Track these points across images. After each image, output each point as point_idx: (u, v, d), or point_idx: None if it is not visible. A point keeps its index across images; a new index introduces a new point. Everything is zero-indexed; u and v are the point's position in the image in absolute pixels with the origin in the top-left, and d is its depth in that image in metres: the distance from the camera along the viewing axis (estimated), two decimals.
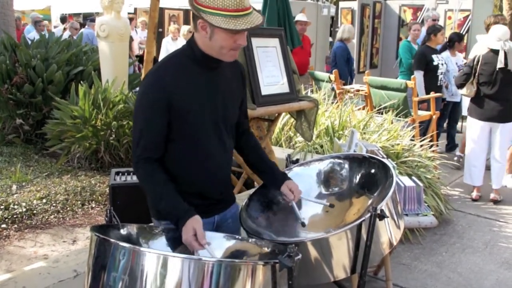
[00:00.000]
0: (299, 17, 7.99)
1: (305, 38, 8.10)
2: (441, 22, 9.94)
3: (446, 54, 7.03)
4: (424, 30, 8.47)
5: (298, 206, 2.38)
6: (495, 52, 5.24)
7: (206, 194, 2.19)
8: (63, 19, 13.78)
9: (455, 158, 6.75)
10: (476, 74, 5.37)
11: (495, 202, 5.56)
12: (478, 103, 5.46)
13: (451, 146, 7.48)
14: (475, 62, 5.37)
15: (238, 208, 2.38)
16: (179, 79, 2.04)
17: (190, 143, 2.10)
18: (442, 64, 6.71)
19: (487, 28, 6.29)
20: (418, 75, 6.61)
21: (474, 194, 5.65)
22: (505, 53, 5.16)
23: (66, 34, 10.17)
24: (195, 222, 1.94)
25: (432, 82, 6.65)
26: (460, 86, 5.54)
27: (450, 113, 7.38)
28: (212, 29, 1.98)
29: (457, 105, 7.35)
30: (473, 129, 5.58)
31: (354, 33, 7.99)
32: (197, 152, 2.12)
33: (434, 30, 6.79)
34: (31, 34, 10.47)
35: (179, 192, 2.08)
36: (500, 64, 5.17)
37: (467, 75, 5.43)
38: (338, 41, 7.98)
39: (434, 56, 6.69)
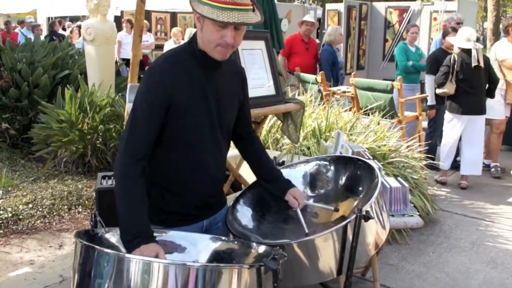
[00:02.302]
0: (307, 17, 7.95)
1: (311, 41, 8.08)
2: (426, 23, 10.03)
3: None
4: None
5: (287, 208, 2.39)
6: (466, 51, 5.71)
7: (198, 197, 2.15)
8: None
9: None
10: (454, 73, 5.78)
11: (464, 188, 6.05)
12: (458, 99, 5.86)
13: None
14: (452, 62, 5.81)
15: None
16: (181, 78, 2.00)
17: (184, 145, 2.05)
18: None
19: (506, 30, 6.39)
20: (429, 79, 6.46)
21: (445, 178, 6.20)
22: (476, 52, 5.63)
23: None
24: (160, 248, 1.84)
25: None
26: (440, 85, 5.91)
27: None
28: (203, 20, 1.95)
29: None
30: (453, 123, 6.00)
31: (339, 34, 7.81)
32: (191, 155, 2.08)
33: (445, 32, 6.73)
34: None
35: (169, 198, 2.09)
36: (474, 62, 5.63)
37: (445, 74, 5.85)
38: (326, 44, 7.90)
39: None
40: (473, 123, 5.90)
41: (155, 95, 1.96)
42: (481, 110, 5.89)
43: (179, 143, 2.05)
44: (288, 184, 2.36)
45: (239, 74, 2.25)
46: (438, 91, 5.97)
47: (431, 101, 6.44)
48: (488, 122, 6.55)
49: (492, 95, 6.04)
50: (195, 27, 2.20)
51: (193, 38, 2.06)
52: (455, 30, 6.54)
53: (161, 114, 1.97)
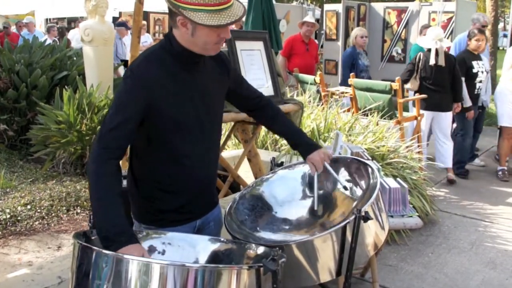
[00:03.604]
0: (307, 18, 7.93)
1: (312, 42, 8.08)
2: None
3: None
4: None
5: (289, 205, 2.43)
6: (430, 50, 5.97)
7: (190, 196, 2.12)
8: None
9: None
10: (419, 70, 6.04)
11: (452, 181, 6.17)
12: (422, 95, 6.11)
13: (470, 156, 6.87)
14: (417, 60, 6.06)
15: (220, 210, 2.35)
16: (161, 76, 1.96)
17: (169, 142, 2.02)
18: (482, 72, 6.28)
19: None
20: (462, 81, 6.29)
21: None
22: (437, 51, 5.84)
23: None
24: (142, 249, 1.80)
25: (469, 90, 6.22)
26: (404, 81, 6.15)
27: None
28: (194, 26, 1.90)
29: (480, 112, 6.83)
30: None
31: (359, 36, 7.35)
32: (182, 153, 2.05)
33: (469, 34, 6.41)
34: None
35: (161, 197, 2.08)
36: (432, 61, 5.86)
37: (410, 72, 6.11)
38: (351, 46, 7.59)
39: (474, 63, 6.28)
40: (438, 118, 6.11)
41: (130, 96, 1.93)
42: (443, 107, 6.06)
43: (169, 142, 2.03)
44: (308, 151, 2.38)
45: (220, 60, 2.21)
46: (405, 86, 6.28)
47: (466, 103, 6.24)
48: (500, 128, 6.62)
49: (457, 98, 6.05)
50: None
51: (171, 38, 2.01)
52: (481, 32, 6.36)
53: (138, 115, 1.93)
